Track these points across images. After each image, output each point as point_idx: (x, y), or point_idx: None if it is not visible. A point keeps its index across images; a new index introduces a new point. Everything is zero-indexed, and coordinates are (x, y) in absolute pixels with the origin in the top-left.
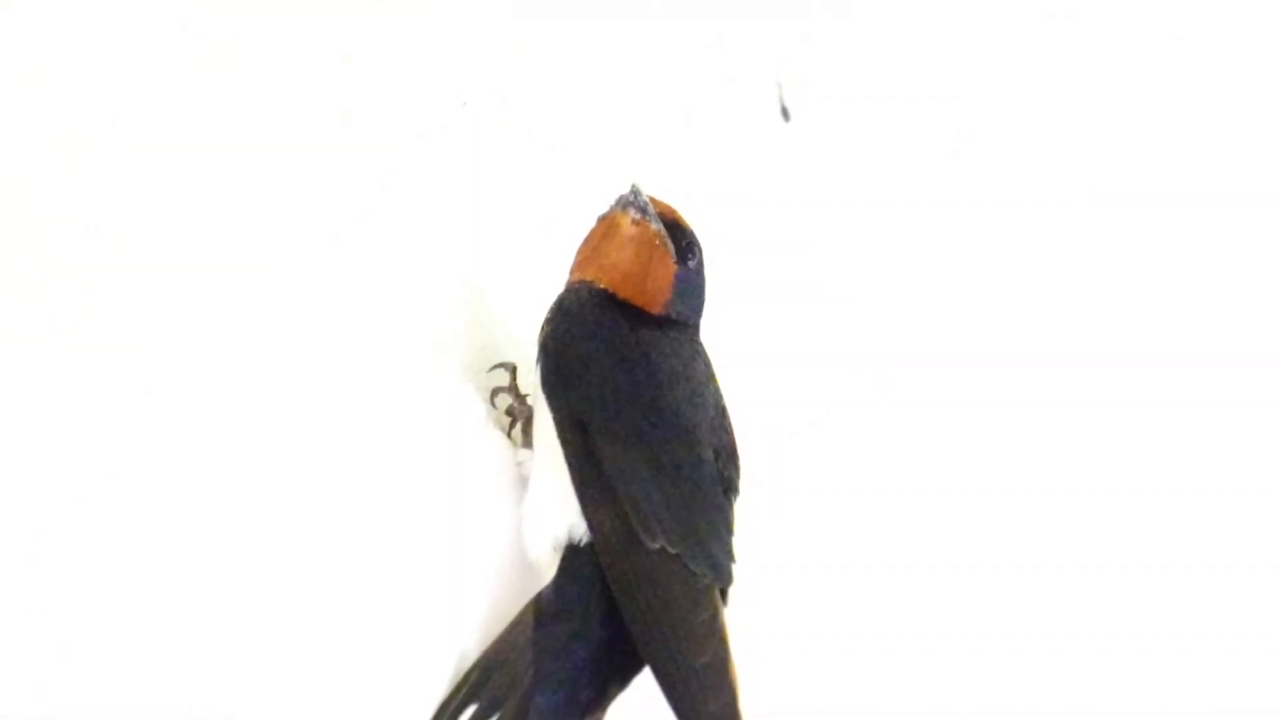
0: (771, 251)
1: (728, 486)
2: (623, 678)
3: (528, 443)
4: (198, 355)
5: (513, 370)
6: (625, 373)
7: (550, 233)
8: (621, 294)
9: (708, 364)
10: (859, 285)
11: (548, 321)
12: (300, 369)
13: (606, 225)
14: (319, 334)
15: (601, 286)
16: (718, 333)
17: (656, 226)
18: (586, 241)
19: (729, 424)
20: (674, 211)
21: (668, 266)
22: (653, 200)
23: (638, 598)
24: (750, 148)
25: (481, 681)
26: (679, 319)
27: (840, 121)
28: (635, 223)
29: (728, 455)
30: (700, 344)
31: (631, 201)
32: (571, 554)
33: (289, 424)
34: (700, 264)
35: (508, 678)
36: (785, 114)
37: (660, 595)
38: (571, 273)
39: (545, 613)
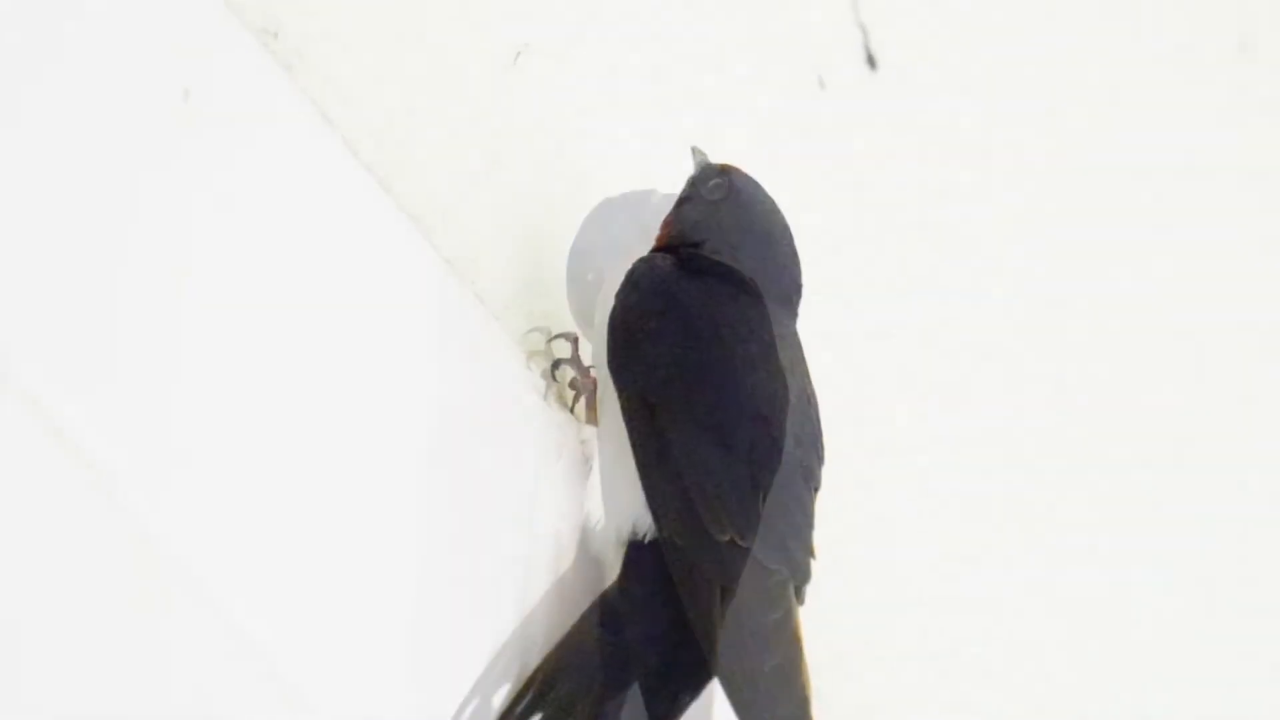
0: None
1: (809, 476)
2: (696, 685)
3: (592, 419)
4: (247, 321)
5: (574, 341)
6: (697, 351)
7: (615, 193)
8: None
9: (796, 347)
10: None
11: (618, 293)
12: (339, 344)
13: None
14: (361, 302)
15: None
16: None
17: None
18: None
19: (815, 413)
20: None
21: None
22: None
23: (702, 593)
24: (832, 103)
25: (546, 687)
26: (777, 294)
27: (928, 74)
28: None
29: (810, 443)
30: (790, 326)
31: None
32: (636, 550)
33: (323, 406)
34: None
35: (575, 685)
36: (872, 62)
37: (727, 592)
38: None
39: (611, 615)
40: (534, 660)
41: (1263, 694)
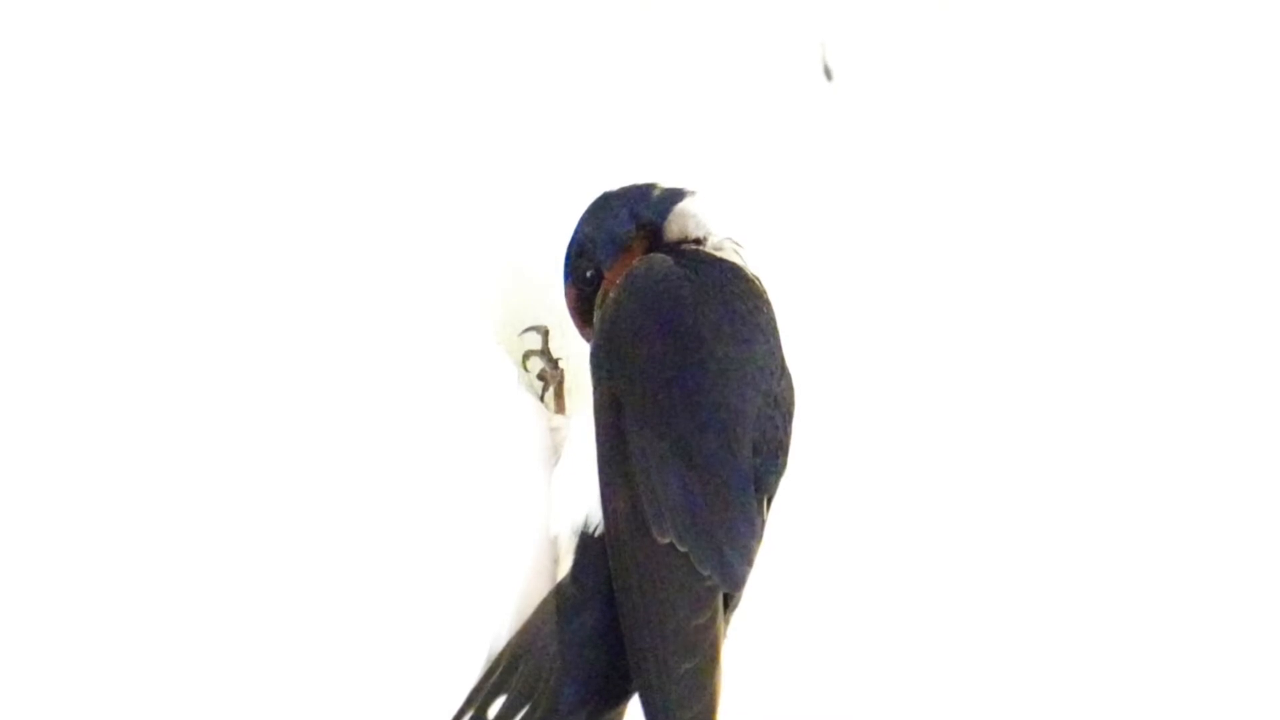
0: (814, 221)
1: (760, 486)
2: None
3: (560, 408)
4: (228, 318)
5: (545, 333)
6: (672, 355)
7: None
8: None
9: (769, 334)
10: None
11: (614, 292)
12: (326, 334)
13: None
14: (346, 296)
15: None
16: None
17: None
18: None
19: (781, 417)
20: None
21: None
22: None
23: (633, 592)
24: (793, 109)
25: (510, 670)
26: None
27: (885, 84)
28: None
29: (770, 452)
30: (764, 303)
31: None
32: (586, 543)
33: (311, 393)
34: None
35: (535, 668)
36: (828, 74)
37: (659, 593)
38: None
39: (567, 604)
40: (504, 638)
41: (1263, 694)
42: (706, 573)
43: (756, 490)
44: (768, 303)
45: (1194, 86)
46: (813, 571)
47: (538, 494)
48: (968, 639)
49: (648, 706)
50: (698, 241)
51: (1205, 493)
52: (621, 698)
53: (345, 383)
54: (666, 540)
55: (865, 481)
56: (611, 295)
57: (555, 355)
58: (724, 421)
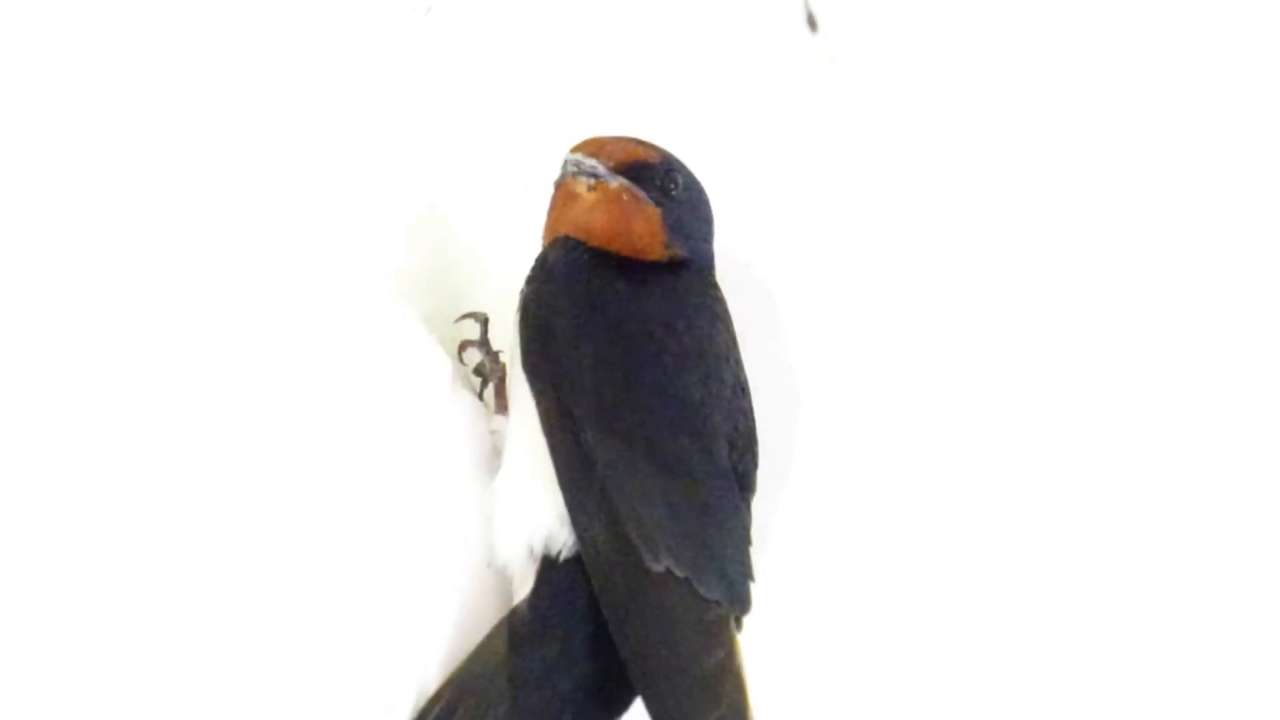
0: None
1: (744, 484)
2: (610, 714)
3: (501, 407)
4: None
5: (484, 321)
6: (624, 351)
7: (530, 164)
8: (614, 249)
9: (726, 323)
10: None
11: (530, 280)
12: (235, 320)
13: (565, 194)
14: (256, 277)
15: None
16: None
17: (616, 182)
18: (551, 209)
19: (748, 404)
20: (634, 150)
21: (648, 211)
22: (604, 146)
23: (636, 632)
24: (774, 60)
25: (449, 711)
26: (689, 258)
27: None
28: (592, 188)
29: (745, 444)
30: (716, 294)
31: (577, 171)
32: (549, 568)
33: (217, 390)
34: (688, 186)
35: (479, 707)
36: (812, 23)
37: (665, 630)
38: (545, 238)
39: (521, 635)
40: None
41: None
42: (713, 597)
43: (741, 490)
44: (715, 286)
45: (1194, 82)
46: (816, 577)
47: (477, 509)
48: (970, 644)
49: None
50: None
51: (1205, 493)
52: None
53: (254, 384)
54: (663, 566)
55: (867, 482)
56: (529, 288)
57: (495, 347)
58: (694, 419)
